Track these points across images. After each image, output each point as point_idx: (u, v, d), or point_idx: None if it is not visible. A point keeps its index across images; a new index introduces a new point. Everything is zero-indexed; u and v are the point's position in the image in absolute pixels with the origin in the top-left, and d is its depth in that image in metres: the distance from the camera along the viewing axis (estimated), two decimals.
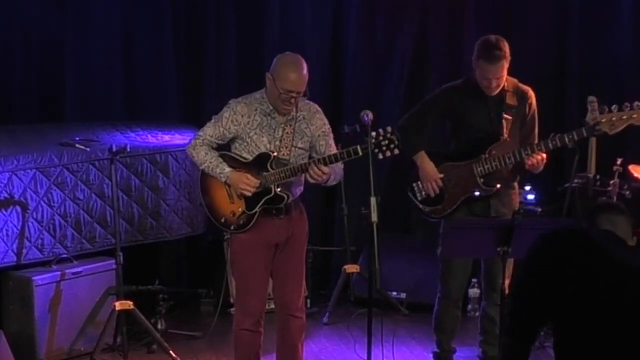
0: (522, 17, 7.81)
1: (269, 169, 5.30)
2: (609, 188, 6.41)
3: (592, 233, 3.83)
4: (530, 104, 5.92)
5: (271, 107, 5.33)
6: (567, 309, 3.69)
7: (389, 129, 5.17)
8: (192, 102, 7.98)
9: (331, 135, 5.47)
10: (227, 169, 5.33)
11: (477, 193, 5.86)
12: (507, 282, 5.82)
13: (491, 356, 6.01)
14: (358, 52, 8.00)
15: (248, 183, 5.28)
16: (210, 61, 8.03)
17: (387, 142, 5.13)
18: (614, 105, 5.59)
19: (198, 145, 5.38)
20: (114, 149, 6.43)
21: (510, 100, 5.85)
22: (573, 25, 7.68)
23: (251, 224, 5.34)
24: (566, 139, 5.65)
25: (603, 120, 5.59)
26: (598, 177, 6.44)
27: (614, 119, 5.59)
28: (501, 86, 5.80)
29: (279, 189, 5.32)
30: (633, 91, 7.39)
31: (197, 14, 8.02)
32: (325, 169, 5.20)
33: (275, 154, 5.31)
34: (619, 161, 6.45)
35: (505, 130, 5.82)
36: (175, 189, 6.92)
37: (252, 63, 7.74)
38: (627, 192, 6.40)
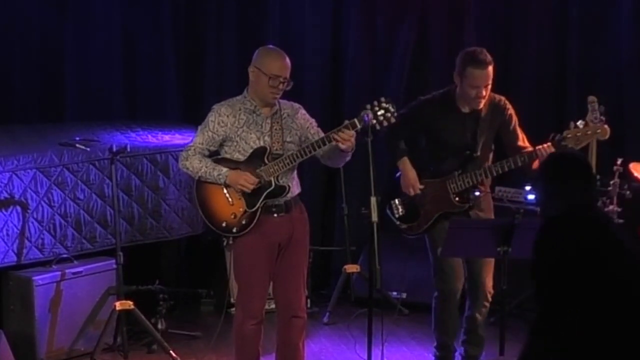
0: (522, 18, 7.81)
1: (266, 161, 5.32)
2: (609, 188, 6.41)
3: (608, 223, 3.82)
4: (510, 113, 5.87)
5: (254, 104, 5.37)
6: (576, 293, 3.69)
7: (382, 98, 5.24)
8: (192, 102, 7.97)
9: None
10: (225, 169, 5.33)
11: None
12: (489, 280, 5.85)
13: (472, 355, 6.02)
14: (358, 52, 7.99)
15: (247, 179, 5.30)
16: (210, 61, 8.03)
17: (382, 111, 5.19)
18: (579, 121, 5.63)
19: (190, 156, 5.38)
20: (114, 149, 6.43)
21: (485, 113, 5.82)
22: (573, 25, 7.67)
23: (254, 222, 5.34)
24: (518, 161, 5.69)
25: (569, 136, 5.63)
26: (598, 177, 6.43)
27: (579, 134, 5.64)
28: (486, 98, 5.75)
29: (278, 181, 5.34)
30: (633, 91, 7.41)
31: (197, 14, 8.03)
32: (351, 132, 5.19)
33: (269, 148, 5.33)
34: (619, 161, 6.46)
35: (479, 146, 5.82)
36: (176, 189, 6.92)
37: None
38: (627, 192, 6.42)
